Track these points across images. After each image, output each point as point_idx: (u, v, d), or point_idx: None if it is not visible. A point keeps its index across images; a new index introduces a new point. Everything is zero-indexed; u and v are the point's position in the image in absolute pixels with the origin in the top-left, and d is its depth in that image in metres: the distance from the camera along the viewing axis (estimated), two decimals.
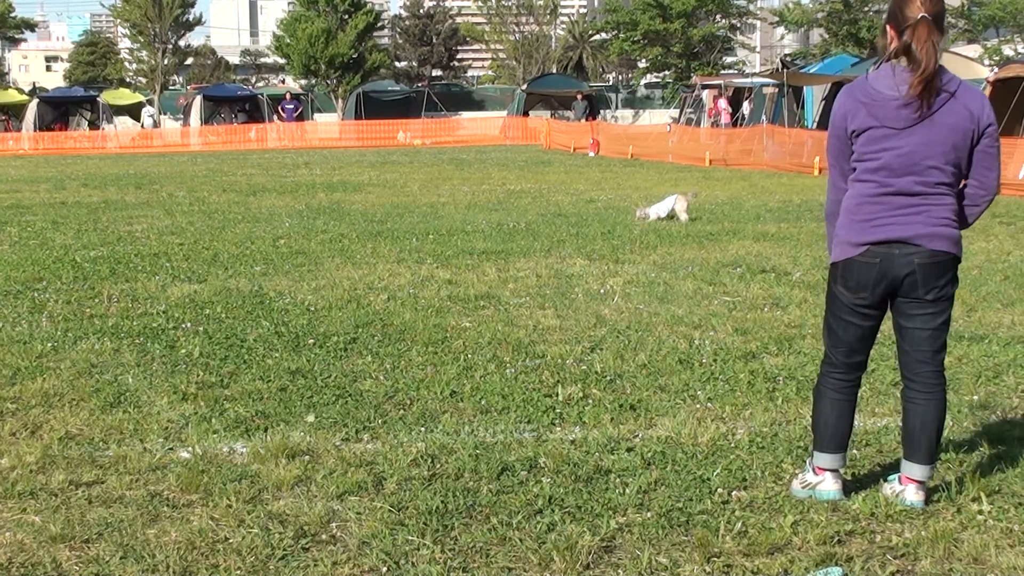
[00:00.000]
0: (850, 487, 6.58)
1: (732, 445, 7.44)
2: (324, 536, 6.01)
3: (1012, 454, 7.14)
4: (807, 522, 6.11)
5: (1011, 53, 66.67)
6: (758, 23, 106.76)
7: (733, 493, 6.57)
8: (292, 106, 62.54)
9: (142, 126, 65.88)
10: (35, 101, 62.75)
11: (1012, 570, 5.54)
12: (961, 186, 6.25)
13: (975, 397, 8.53)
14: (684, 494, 6.55)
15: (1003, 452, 7.20)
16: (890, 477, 6.62)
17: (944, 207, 6.12)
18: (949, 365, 9.32)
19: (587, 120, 56.87)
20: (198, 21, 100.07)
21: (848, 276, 6.28)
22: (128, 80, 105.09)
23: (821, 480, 6.46)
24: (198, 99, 64.77)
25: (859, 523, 6.13)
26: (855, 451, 7.29)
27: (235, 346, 10.40)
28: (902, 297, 6.24)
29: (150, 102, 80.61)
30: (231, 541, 5.92)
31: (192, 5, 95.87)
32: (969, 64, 39.81)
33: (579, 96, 63.30)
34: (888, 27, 6.17)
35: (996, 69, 36.10)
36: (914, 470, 6.40)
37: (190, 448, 7.44)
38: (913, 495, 6.38)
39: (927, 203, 6.09)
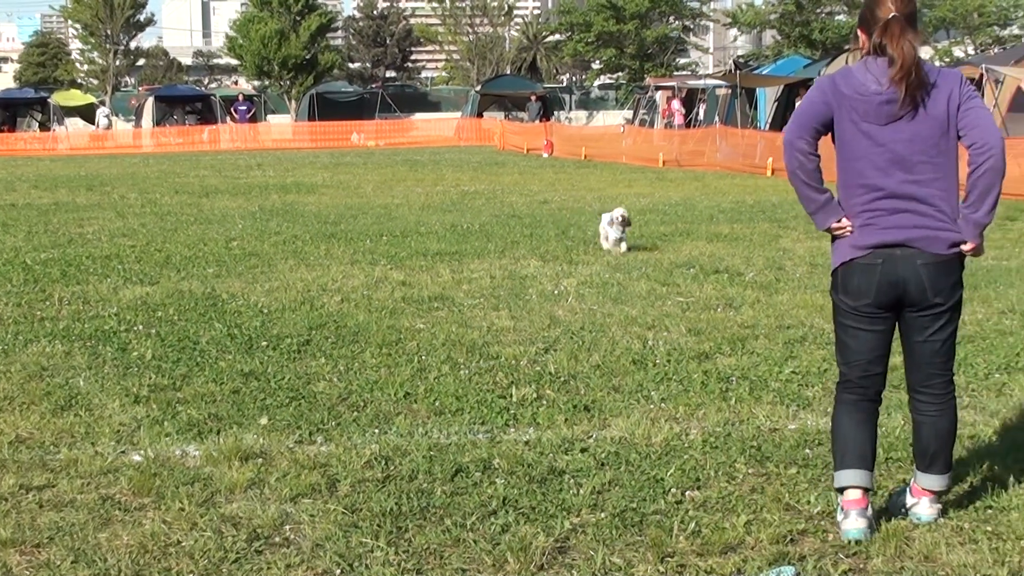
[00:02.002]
0: (876, 512, 6.22)
1: (686, 445, 7.46)
2: (277, 539, 5.99)
3: (961, 453, 7.17)
4: (760, 521, 6.13)
5: (961, 55, 67.12)
6: (711, 24, 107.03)
7: (687, 493, 6.59)
8: (245, 107, 62.34)
9: (97, 127, 65.48)
10: None
11: (963, 567, 5.57)
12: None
13: None
14: (638, 494, 6.55)
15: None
16: (897, 491, 6.48)
17: (939, 209, 5.90)
18: (899, 365, 9.39)
19: (541, 121, 56.91)
20: (149, 21, 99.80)
21: (848, 281, 6.04)
22: (79, 81, 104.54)
23: (844, 518, 6.02)
24: (150, 100, 64.60)
25: (812, 522, 6.16)
26: (808, 450, 7.32)
27: (188, 348, 10.36)
28: (910, 308, 6.01)
29: (103, 103, 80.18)
30: (183, 544, 5.90)
31: (144, 6, 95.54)
32: None
33: (533, 97, 63.40)
34: (859, 31, 6.06)
35: None
36: (931, 480, 6.18)
37: (142, 451, 7.41)
38: (927, 509, 6.19)
39: (922, 204, 5.89)
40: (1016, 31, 74.11)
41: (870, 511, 6.03)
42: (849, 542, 5.91)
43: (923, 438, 6.22)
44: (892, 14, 5.87)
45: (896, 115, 5.86)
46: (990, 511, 6.29)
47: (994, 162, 5.86)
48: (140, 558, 5.74)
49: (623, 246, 16.31)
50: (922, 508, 6.19)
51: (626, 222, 16.43)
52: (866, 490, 6.05)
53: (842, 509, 6.05)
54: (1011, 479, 6.69)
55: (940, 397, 6.19)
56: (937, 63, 53.64)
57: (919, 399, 6.24)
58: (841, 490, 6.08)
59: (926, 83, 5.85)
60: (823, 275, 13.98)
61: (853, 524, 5.97)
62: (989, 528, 6.05)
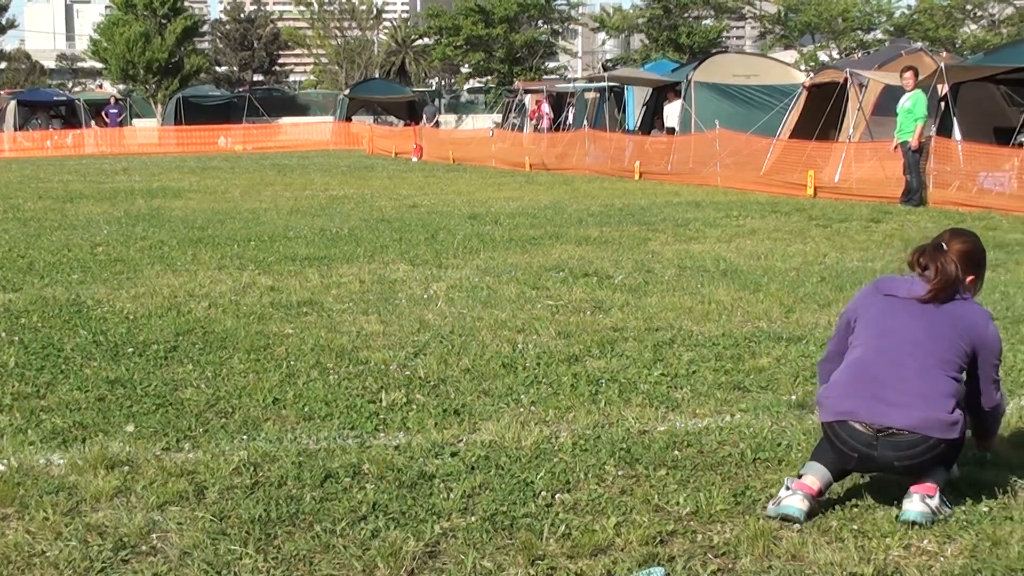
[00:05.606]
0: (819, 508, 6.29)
1: (555, 448, 7.47)
2: (144, 547, 5.91)
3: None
4: (630, 523, 6.15)
5: (826, 59, 68.19)
6: (580, 29, 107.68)
7: (557, 496, 6.59)
8: (116, 111, 61.85)
9: None
10: None
11: (829, 566, 5.63)
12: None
13: (793, 397, 8.65)
14: (508, 498, 6.55)
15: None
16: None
17: (938, 390, 6.14)
18: (767, 366, 9.50)
19: (434, 125, 56.96)
20: (11, 24, 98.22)
21: (828, 432, 6.38)
22: None
23: (791, 495, 6.20)
24: (12, 104, 63.62)
25: (681, 523, 6.19)
26: (677, 452, 7.36)
27: (52, 356, 10.20)
28: None
29: None
30: (48, 554, 5.80)
31: (5, 8, 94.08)
32: (786, 69, 40.56)
33: (431, 101, 63.71)
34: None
35: (812, 74, 36.80)
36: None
37: (5, 460, 7.27)
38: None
39: (916, 380, 6.17)
40: (880, 36, 75.35)
41: (815, 504, 6.21)
42: (778, 517, 6.15)
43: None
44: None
45: (915, 297, 6.35)
46: (856, 509, 6.36)
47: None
48: (3, 569, 5.64)
49: None
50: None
51: None
52: (822, 489, 6.27)
53: (788, 488, 6.23)
54: (876, 477, 6.77)
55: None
56: (803, 67, 54.41)
57: None
58: (799, 475, 6.32)
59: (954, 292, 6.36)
60: (691, 277, 14.10)
61: (794, 501, 6.15)
62: (855, 527, 6.12)
